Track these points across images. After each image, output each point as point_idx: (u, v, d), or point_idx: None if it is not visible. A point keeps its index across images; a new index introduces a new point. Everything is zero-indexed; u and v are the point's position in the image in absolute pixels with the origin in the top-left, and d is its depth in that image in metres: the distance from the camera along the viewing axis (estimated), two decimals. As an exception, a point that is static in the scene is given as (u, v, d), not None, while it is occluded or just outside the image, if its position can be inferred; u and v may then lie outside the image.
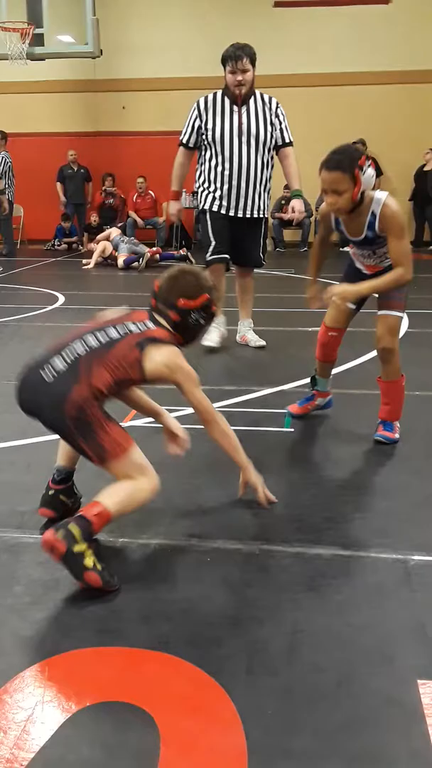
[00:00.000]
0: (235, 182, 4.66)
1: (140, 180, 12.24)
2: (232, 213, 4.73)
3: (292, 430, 3.33)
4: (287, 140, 4.75)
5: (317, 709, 1.54)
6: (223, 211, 4.73)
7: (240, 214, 4.73)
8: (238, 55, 4.50)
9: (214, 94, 4.70)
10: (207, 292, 2.38)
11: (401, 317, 3.08)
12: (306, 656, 1.71)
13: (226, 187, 4.68)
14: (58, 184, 12.71)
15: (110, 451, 2.11)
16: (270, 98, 4.71)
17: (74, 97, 12.94)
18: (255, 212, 4.75)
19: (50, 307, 6.81)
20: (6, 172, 10.80)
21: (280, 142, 4.73)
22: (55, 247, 12.57)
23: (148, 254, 9.84)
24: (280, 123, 4.70)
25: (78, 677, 1.65)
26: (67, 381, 2.11)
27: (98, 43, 10.27)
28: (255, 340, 5.05)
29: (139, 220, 12.23)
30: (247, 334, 5.12)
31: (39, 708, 1.55)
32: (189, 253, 10.04)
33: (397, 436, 3.15)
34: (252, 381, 4.14)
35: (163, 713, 1.52)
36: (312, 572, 2.08)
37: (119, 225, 11.94)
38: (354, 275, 3.20)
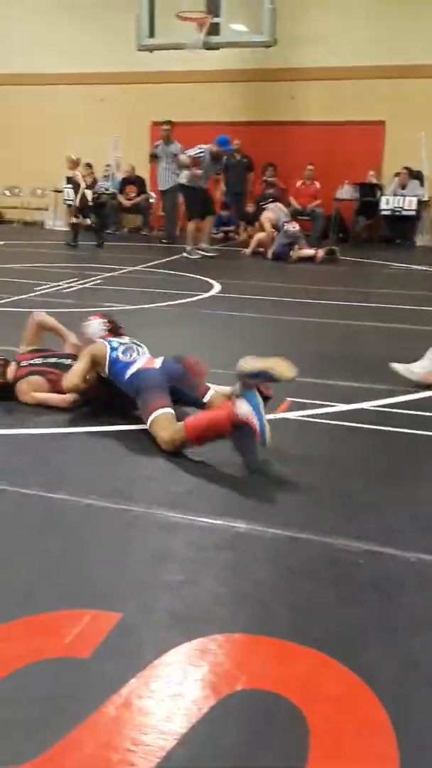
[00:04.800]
0: None
1: (310, 167, 12.17)
2: None
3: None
4: None
5: None
6: None
7: None
8: None
9: None
10: None
11: None
12: (463, 674, 1.64)
13: None
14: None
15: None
16: None
17: (243, 86, 13.04)
18: None
19: (206, 295, 6.94)
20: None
21: None
22: (212, 235, 12.77)
23: (297, 249, 9.86)
24: None
25: (229, 660, 1.68)
26: None
27: (274, 33, 10.27)
28: None
29: (297, 205, 12.15)
30: None
31: (190, 685, 1.59)
32: (334, 250, 9.88)
33: None
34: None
35: (314, 711, 1.51)
36: (470, 588, 2.00)
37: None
38: None
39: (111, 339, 3.39)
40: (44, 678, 1.60)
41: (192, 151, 9.67)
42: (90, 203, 10.80)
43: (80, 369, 3.29)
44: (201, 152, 9.68)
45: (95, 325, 3.52)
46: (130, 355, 3.30)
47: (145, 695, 1.56)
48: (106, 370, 3.27)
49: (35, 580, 1.99)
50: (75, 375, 3.29)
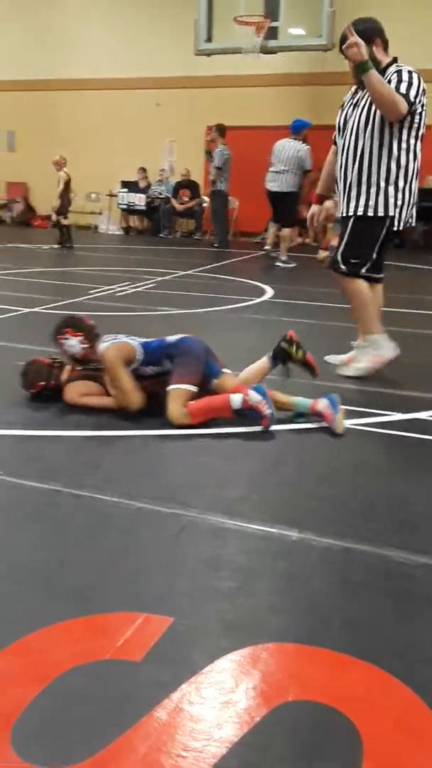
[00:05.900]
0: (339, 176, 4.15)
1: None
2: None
3: None
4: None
5: None
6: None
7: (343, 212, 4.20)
8: (341, 40, 3.77)
9: None
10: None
11: None
12: None
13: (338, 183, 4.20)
14: (274, 178, 12.84)
15: None
16: (398, 70, 3.80)
17: (300, 90, 13.00)
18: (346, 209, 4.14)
19: (258, 300, 6.92)
20: (224, 164, 11.13)
21: None
22: (265, 240, 12.74)
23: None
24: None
25: (282, 670, 1.66)
26: None
27: (332, 36, 10.22)
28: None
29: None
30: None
31: (241, 693, 1.58)
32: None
33: None
34: None
35: (368, 726, 1.48)
36: None
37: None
38: None
39: (109, 339, 3.35)
40: (96, 680, 1.61)
41: (287, 162, 9.45)
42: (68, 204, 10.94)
43: (127, 382, 3.24)
44: (298, 151, 9.46)
45: (74, 344, 3.33)
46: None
47: (197, 701, 1.55)
48: (140, 357, 3.29)
49: (87, 581, 2.00)
50: (130, 392, 3.24)
